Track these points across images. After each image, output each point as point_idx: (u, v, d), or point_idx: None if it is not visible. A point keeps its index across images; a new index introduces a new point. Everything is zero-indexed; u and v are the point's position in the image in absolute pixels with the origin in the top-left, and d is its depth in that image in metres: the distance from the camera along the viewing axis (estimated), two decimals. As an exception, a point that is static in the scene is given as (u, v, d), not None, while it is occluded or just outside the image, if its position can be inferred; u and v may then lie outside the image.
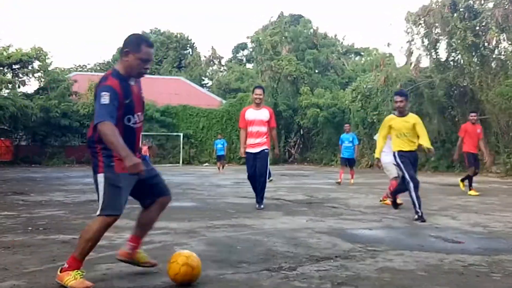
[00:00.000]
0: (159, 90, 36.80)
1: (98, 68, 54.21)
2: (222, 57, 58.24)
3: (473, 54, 21.04)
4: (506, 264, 4.28)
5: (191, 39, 59.58)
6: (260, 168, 8.22)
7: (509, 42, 20.62)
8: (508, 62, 20.00)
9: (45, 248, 4.80)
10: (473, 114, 12.14)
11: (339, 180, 15.33)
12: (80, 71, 47.04)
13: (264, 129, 8.42)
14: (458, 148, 12.02)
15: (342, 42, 46.82)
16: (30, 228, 6.03)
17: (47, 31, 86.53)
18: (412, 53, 23.75)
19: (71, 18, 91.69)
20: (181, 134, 33.77)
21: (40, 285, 3.50)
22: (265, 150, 8.35)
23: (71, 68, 48.75)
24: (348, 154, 15.77)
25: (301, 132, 35.30)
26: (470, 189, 11.21)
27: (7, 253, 4.58)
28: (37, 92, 31.73)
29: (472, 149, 11.45)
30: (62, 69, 37.77)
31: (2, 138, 30.66)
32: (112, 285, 3.52)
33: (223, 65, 57.41)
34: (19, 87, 32.18)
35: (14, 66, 32.17)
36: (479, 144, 11.67)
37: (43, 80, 32.09)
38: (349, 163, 15.95)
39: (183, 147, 33.55)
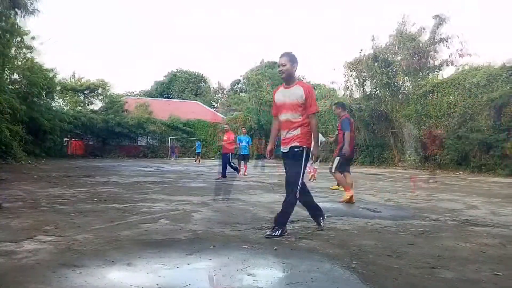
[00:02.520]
0: (183, 110, 36.68)
1: (142, 94, 53.65)
2: (225, 88, 58.18)
3: (387, 89, 21.26)
4: (408, 226, 4.33)
5: (204, 76, 59.32)
6: (288, 177, 3.76)
7: (410, 82, 20.91)
8: (409, 95, 20.27)
9: (106, 213, 4.75)
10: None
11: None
12: (129, 95, 46.46)
13: (296, 116, 3.72)
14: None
15: (303, 80, 46.97)
16: (95, 199, 5.97)
17: (108, 66, 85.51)
18: (348, 88, 23.95)
19: (125, 58, 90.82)
20: (201, 138, 33.69)
21: (103, 237, 3.46)
22: (295, 149, 3.69)
23: (123, 93, 48.18)
24: (245, 151, 13.15)
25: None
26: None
27: (80, 216, 4.53)
28: (100, 109, 31.41)
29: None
30: (117, 94, 37.35)
31: (77, 139, 30.22)
32: (151, 238, 3.50)
33: (225, 93, 57.26)
34: (88, 105, 31.90)
35: (85, 92, 31.87)
36: None
37: (104, 101, 31.79)
38: (245, 158, 13.15)
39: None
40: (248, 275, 2.52)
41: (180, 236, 3.59)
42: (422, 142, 18.92)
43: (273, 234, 3.59)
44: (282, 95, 3.83)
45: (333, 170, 6.57)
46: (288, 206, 3.73)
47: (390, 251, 3.20)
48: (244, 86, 49.87)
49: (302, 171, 3.71)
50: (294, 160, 3.73)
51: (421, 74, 20.55)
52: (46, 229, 3.72)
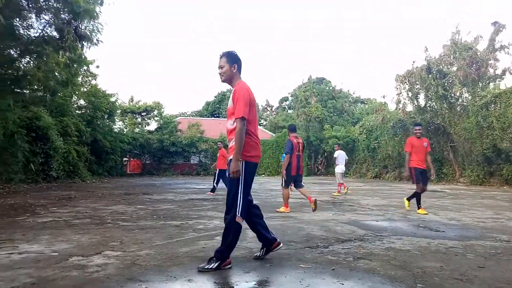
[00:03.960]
0: (232, 127, 37.39)
1: (194, 114, 55.69)
2: (273, 106, 58.64)
3: (443, 101, 20.25)
4: (476, 247, 4.04)
5: (252, 95, 60.26)
6: (227, 197, 3.28)
7: (468, 93, 19.73)
8: (468, 107, 19.09)
9: (165, 230, 4.92)
10: (417, 127, 7.78)
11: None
12: (182, 116, 48.41)
13: (231, 123, 3.24)
14: (407, 163, 7.73)
15: (352, 95, 46.14)
16: (154, 216, 6.21)
17: (162, 89, 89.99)
18: (400, 101, 23.15)
19: (177, 81, 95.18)
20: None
21: (164, 253, 3.59)
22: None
23: (177, 114, 50.34)
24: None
25: (325, 154, 34.67)
26: (418, 208, 7.25)
27: (142, 232, 4.74)
28: (155, 129, 32.96)
29: (420, 164, 7.48)
30: (171, 115, 39.14)
31: (135, 159, 31.86)
32: (208, 255, 3.55)
33: (273, 111, 57.73)
34: (145, 126, 33.62)
35: (142, 114, 33.72)
36: (427, 159, 7.67)
37: (159, 122, 33.38)
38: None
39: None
40: (307, 295, 2.48)
41: (236, 253, 3.62)
42: (485, 156, 17.64)
43: (206, 266, 3.04)
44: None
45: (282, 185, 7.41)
46: (226, 232, 3.15)
47: (458, 274, 3.00)
48: (292, 103, 49.96)
49: (240, 188, 3.14)
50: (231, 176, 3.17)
51: (480, 84, 19.35)
52: (112, 245, 3.94)
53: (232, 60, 3.34)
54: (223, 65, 3.33)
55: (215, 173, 11.64)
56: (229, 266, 3.12)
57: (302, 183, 7.38)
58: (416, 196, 7.43)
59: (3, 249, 3.70)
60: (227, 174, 3.36)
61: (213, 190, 11.27)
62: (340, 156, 12.50)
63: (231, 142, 3.22)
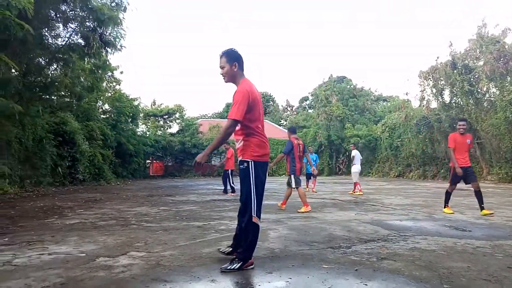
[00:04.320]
0: (253, 128, 37.49)
1: (214, 116, 56.19)
2: (293, 106, 58.46)
3: (469, 97, 19.65)
4: (505, 247, 3.91)
5: (272, 95, 60.32)
6: (240, 198, 3.34)
7: (496, 88, 19.06)
8: (496, 102, 18.44)
9: (188, 231, 4.99)
10: (461, 123, 7.03)
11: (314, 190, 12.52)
12: (203, 118, 48.88)
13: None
14: (453, 160, 6.85)
15: (373, 93, 45.39)
16: (177, 217, 6.30)
17: (183, 92, 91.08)
18: (424, 98, 22.63)
19: (198, 84, 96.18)
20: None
21: (187, 254, 3.64)
22: (240, 166, 3.27)
23: (198, 116, 50.88)
24: (308, 170, 12.52)
25: (347, 153, 34.28)
26: (445, 207, 6.95)
27: (166, 233, 4.82)
28: (177, 132, 33.43)
29: (462, 162, 6.78)
30: (192, 117, 39.63)
31: (157, 161, 32.40)
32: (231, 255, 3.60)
33: (293, 111, 57.51)
34: (167, 129, 34.14)
35: (164, 116, 34.27)
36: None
37: (181, 124, 33.83)
38: (311, 176, 12.69)
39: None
40: (330, 296, 2.46)
41: (258, 254, 3.64)
42: (515, 153, 17.00)
43: (228, 267, 3.03)
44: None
45: (293, 186, 7.36)
46: (246, 234, 3.14)
47: (486, 274, 2.91)
48: (312, 102, 49.62)
49: (252, 189, 3.14)
50: (242, 177, 3.20)
51: (508, 78, 18.65)
52: (137, 246, 4.03)
53: (231, 59, 3.22)
54: (223, 65, 3.22)
55: (228, 173, 11.68)
56: (252, 266, 3.12)
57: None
58: (447, 195, 7.08)
59: (34, 250, 3.84)
60: (239, 175, 3.33)
61: (233, 190, 11.34)
62: (357, 156, 12.71)
63: (238, 143, 3.24)
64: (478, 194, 6.65)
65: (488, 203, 8.64)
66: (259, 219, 3.17)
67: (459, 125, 7.07)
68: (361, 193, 11.65)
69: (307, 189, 12.53)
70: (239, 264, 3.06)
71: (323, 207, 7.94)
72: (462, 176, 6.69)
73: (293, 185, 7.37)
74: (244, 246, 3.15)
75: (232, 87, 3.30)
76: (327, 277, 2.87)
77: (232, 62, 3.21)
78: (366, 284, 2.69)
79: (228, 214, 6.76)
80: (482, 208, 6.56)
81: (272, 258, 3.46)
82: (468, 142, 6.96)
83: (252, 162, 3.16)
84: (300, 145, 7.43)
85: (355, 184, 12.10)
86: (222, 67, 3.24)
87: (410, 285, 2.67)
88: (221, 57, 3.24)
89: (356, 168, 12.55)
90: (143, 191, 13.65)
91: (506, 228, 5.11)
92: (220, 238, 4.44)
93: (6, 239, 4.46)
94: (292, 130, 7.74)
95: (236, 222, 5.71)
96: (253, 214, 3.12)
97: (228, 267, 3.05)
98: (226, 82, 3.28)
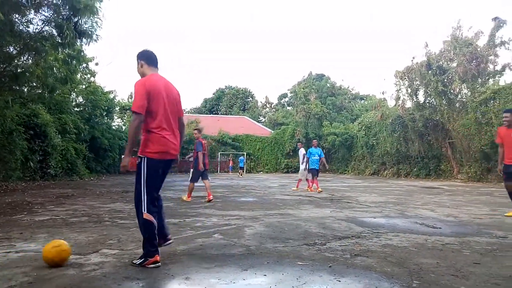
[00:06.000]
0: (231, 125, 37.42)
1: (192, 111, 55.68)
2: (272, 103, 58.64)
3: (443, 98, 20.26)
4: (472, 243, 4.06)
5: (251, 91, 60.32)
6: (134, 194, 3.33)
7: (468, 89, 19.73)
8: (467, 103, 19.10)
9: (163, 227, 4.92)
10: (505, 114, 6.18)
11: (310, 189, 11.81)
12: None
13: None
14: (500, 157, 6.41)
15: (351, 91, 46.12)
16: (153, 214, 6.20)
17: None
18: (399, 98, 23.17)
19: (175, 78, 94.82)
20: (245, 153, 34.07)
21: (162, 251, 3.54)
22: (137, 160, 3.29)
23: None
24: (315, 165, 11.88)
25: (324, 151, 34.90)
26: None
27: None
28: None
29: (509, 160, 6.10)
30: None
31: (133, 156, 31.79)
32: (206, 252, 3.59)
33: (272, 108, 57.70)
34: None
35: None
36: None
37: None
38: (315, 173, 11.93)
39: (246, 161, 33.73)
40: (304, 293, 2.49)
41: (234, 251, 3.64)
42: (483, 152, 17.66)
43: (133, 261, 3.11)
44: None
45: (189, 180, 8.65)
46: (141, 229, 3.15)
47: (454, 270, 3.02)
48: (291, 100, 49.92)
49: (143, 185, 3.11)
50: (136, 172, 3.17)
51: (480, 80, 19.34)
52: (109, 243, 3.94)
53: (138, 58, 3.33)
54: (136, 66, 3.34)
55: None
56: (155, 265, 3.02)
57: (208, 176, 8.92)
58: (510, 196, 6.25)
59: (0, 248, 3.70)
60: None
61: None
62: (303, 154, 12.76)
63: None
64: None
65: (457, 201, 8.97)
66: (152, 214, 3.11)
67: (504, 116, 6.24)
68: (311, 189, 11.76)
69: (310, 190, 11.62)
70: (140, 261, 3.06)
71: (299, 204, 8.01)
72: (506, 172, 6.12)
73: (189, 179, 9.00)
74: (144, 242, 3.10)
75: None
76: (302, 273, 2.90)
77: (139, 62, 3.32)
78: (339, 281, 2.74)
79: (204, 211, 6.72)
80: None
81: (247, 255, 3.46)
82: None
83: (145, 158, 3.14)
84: (206, 144, 9.29)
85: (308, 180, 12.19)
86: (136, 67, 3.35)
87: (381, 281, 2.74)
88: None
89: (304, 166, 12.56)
90: (117, 186, 13.38)
91: (473, 225, 5.30)
92: (195, 236, 4.40)
93: (-29, 236, 4.27)
94: (199, 131, 9.25)
95: (210, 219, 5.70)
96: (143, 211, 3.08)
97: (133, 262, 3.08)
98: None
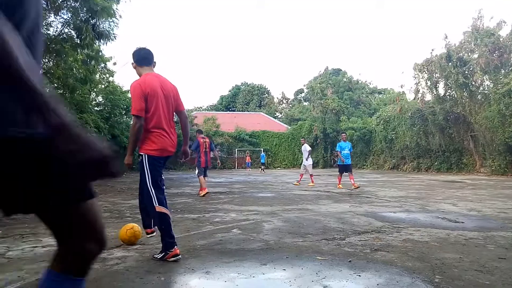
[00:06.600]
0: (248, 121, 37.48)
1: (209, 108, 55.99)
2: (288, 98, 58.36)
3: (464, 90, 19.75)
4: (497, 238, 3.96)
5: (267, 88, 60.19)
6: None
7: (490, 81, 19.16)
8: (490, 95, 18.56)
9: (182, 223, 5.00)
10: None
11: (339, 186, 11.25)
12: (198, 110, 48.74)
13: None
14: None
15: (369, 85, 45.46)
16: (172, 210, 6.25)
17: (178, 85, 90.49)
18: (418, 91, 22.72)
19: (192, 76, 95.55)
20: (262, 149, 34.09)
21: (182, 246, 3.63)
22: (139, 158, 3.34)
23: (192, 108, 50.67)
24: (348, 160, 11.38)
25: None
26: None
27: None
28: (172, 124, 33.32)
29: None
30: (187, 110, 39.54)
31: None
32: (225, 247, 3.62)
33: (289, 104, 57.46)
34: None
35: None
36: None
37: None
38: (348, 169, 11.42)
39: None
40: (324, 287, 2.49)
41: (253, 246, 3.66)
42: (508, 145, 17.15)
43: (154, 256, 3.22)
44: None
45: (196, 174, 9.20)
46: (157, 224, 3.25)
47: (477, 265, 2.95)
48: (307, 95, 49.58)
49: (148, 182, 3.21)
50: (140, 170, 3.27)
51: (503, 71, 18.75)
52: (131, 238, 4.02)
53: (133, 58, 3.36)
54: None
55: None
56: (175, 258, 3.09)
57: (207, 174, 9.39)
58: None
59: (27, 243, 3.83)
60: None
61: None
62: (308, 150, 13.00)
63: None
64: None
65: (480, 195, 8.75)
66: (164, 207, 3.20)
67: None
68: (313, 184, 12.36)
69: (354, 184, 10.70)
70: (161, 255, 3.15)
71: (318, 199, 7.97)
72: None
73: (196, 173, 9.24)
74: (161, 236, 3.19)
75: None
76: (321, 268, 2.89)
77: (133, 62, 3.37)
78: (359, 275, 2.72)
79: (223, 206, 6.78)
80: None
81: (266, 250, 3.47)
82: None
83: (146, 155, 3.22)
84: (206, 143, 9.27)
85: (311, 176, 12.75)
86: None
87: (403, 276, 2.70)
88: None
89: (310, 160, 13.00)
90: (137, 183, 13.59)
91: (498, 220, 5.17)
92: (214, 231, 4.44)
93: (0, 231, 4.44)
94: (199, 132, 9.71)
95: (229, 214, 5.74)
96: (155, 204, 3.17)
97: (154, 256, 3.20)
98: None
